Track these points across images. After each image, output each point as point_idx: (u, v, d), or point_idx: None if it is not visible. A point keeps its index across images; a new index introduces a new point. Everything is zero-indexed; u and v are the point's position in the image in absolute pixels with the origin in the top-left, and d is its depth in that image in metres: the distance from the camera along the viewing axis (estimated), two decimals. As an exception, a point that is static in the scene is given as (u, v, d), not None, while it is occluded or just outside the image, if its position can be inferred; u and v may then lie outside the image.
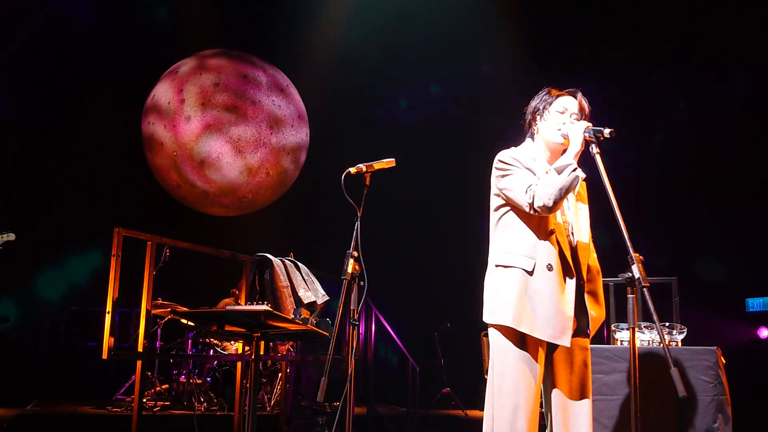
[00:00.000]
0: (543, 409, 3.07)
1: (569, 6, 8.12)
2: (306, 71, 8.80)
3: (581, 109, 3.08)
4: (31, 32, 8.04)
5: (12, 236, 5.53)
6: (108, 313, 4.31)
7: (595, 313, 3.01)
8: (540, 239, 2.94)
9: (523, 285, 2.90)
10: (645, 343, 4.32)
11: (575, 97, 3.09)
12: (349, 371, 2.95)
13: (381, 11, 8.34)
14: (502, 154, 3.05)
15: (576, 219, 3.07)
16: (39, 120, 8.42)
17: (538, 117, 3.09)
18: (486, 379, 3.05)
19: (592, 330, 3.03)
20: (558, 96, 3.09)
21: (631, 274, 2.58)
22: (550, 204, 2.82)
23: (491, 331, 3.00)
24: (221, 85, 7.57)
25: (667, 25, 7.87)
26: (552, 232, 2.96)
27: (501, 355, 2.94)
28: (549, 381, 3.00)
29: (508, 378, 2.90)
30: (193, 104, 7.50)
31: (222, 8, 8.55)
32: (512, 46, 8.29)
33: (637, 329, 2.64)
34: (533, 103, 3.14)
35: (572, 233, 3.03)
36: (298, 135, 8.16)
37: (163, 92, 7.74)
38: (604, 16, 7.98)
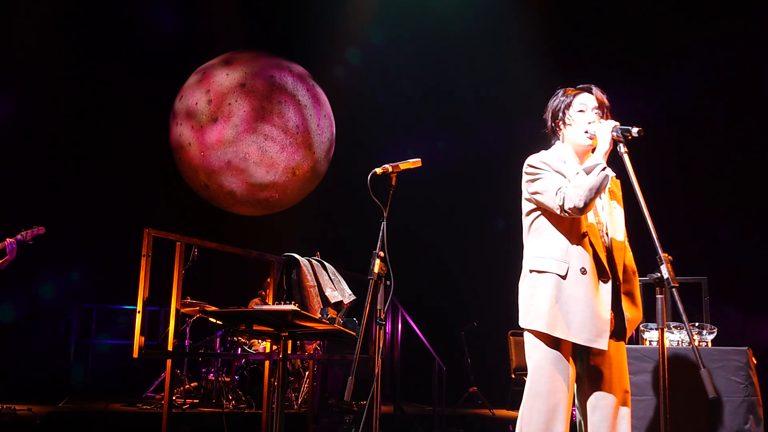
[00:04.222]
0: (575, 412, 3.05)
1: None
2: (334, 69, 8.84)
3: (600, 102, 3.04)
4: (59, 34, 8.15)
5: (42, 229, 5.78)
6: (138, 312, 4.36)
7: (631, 314, 2.98)
8: (573, 243, 2.91)
9: (556, 290, 2.88)
10: (674, 344, 4.28)
11: (591, 92, 3.05)
12: (376, 370, 2.96)
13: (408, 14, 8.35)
14: (531, 159, 3.03)
15: (610, 219, 3.03)
16: (68, 121, 8.53)
17: (560, 121, 3.06)
18: (513, 378, 3.05)
19: (629, 332, 2.99)
20: (574, 95, 3.06)
21: (660, 275, 2.55)
22: (581, 205, 2.79)
23: (526, 334, 3.00)
24: (248, 86, 7.62)
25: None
26: (585, 234, 2.92)
27: (536, 358, 2.94)
28: (587, 383, 2.97)
29: (542, 380, 2.89)
30: (221, 105, 7.57)
31: (249, 6, 8.62)
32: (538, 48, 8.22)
33: (666, 329, 2.61)
34: (551, 107, 3.11)
35: (606, 233, 3.00)
36: (324, 135, 8.19)
37: (191, 94, 7.82)
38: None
